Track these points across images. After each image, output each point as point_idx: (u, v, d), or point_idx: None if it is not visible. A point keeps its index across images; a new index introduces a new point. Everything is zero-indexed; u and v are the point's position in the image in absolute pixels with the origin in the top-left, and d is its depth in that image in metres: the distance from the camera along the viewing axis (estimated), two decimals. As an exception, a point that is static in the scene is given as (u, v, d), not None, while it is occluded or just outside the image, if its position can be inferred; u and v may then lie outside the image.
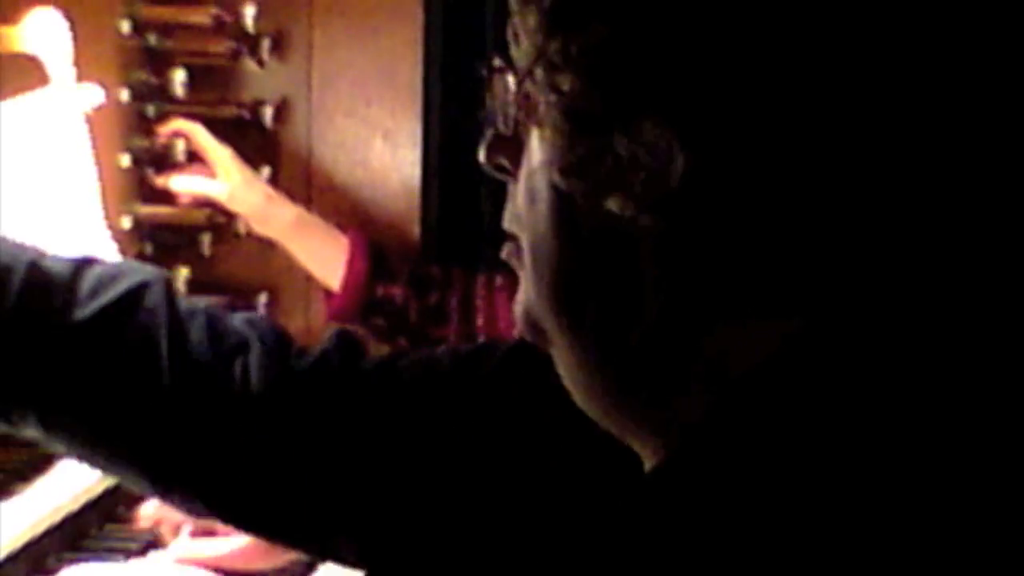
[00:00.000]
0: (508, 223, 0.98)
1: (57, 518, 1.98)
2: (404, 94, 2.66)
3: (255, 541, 1.86)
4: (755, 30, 0.85)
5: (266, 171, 2.62)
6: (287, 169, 2.67)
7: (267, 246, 2.57)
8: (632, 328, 0.90)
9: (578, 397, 0.95)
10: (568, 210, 0.90)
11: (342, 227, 2.55)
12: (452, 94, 2.75)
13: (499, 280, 2.52)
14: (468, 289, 2.50)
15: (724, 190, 0.85)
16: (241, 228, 2.59)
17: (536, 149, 0.92)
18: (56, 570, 1.91)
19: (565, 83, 0.88)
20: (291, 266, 2.57)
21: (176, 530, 1.95)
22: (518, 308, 0.97)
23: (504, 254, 0.98)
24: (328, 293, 2.53)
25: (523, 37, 0.91)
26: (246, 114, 2.63)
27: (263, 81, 2.66)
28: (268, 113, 2.64)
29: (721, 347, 0.89)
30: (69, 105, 2.27)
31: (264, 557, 1.87)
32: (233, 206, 2.53)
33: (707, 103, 0.85)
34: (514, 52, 0.93)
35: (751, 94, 0.85)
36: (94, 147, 2.32)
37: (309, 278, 2.58)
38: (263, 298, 2.68)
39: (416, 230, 2.68)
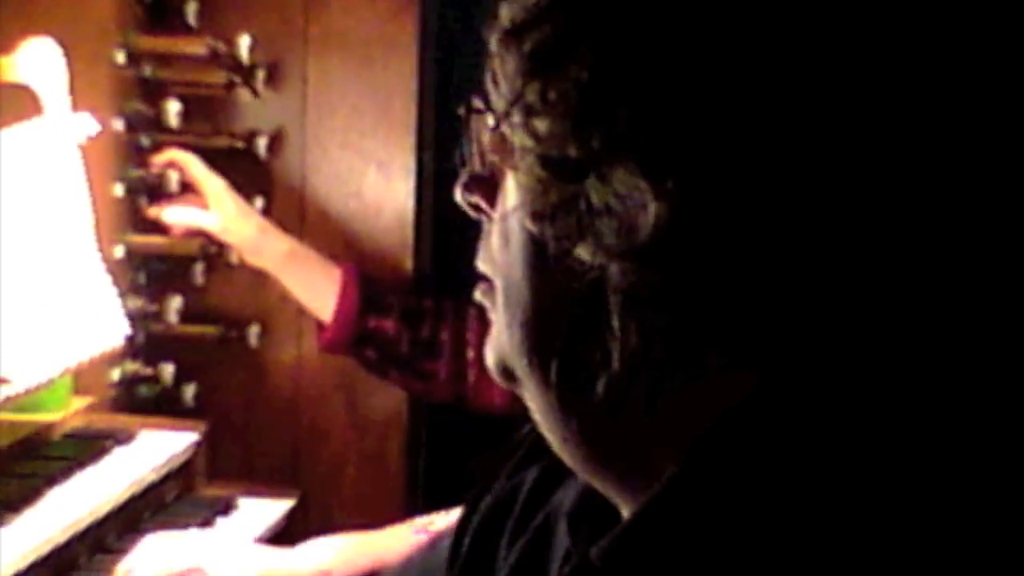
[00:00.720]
0: (482, 263, 0.96)
1: (46, 550, 1.98)
2: (398, 126, 2.66)
3: None
4: (732, 85, 0.85)
5: (259, 202, 2.62)
6: (281, 200, 2.67)
7: (260, 276, 2.57)
8: (598, 376, 0.89)
9: (551, 442, 0.95)
10: (540, 255, 0.90)
11: (335, 259, 2.55)
12: (446, 126, 2.76)
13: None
14: (460, 322, 2.50)
15: (694, 242, 0.85)
16: (234, 258, 2.59)
17: (511, 191, 0.92)
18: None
19: (541, 127, 0.88)
20: (284, 296, 2.57)
21: None
22: (489, 350, 0.96)
23: (477, 294, 0.97)
24: (320, 325, 2.53)
25: (501, 79, 0.91)
26: (240, 144, 2.64)
27: (257, 112, 2.67)
28: (262, 144, 2.65)
29: (686, 399, 0.88)
30: (63, 135, 2.28)
31: None
32: (226, 237, 2.53)
33: (681, 153, 0.85)
34: (493, 93, 0.92)
35: (724, 147, 0.85)
36: (88, 177, 2.32)
37: (301, 309, 2.57)
38: (255, 328, 2.68)
39: (409, 261, 2.68)
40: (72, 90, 2.27)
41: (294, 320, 2.65)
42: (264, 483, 2.55)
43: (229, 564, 1.89)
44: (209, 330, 2.66)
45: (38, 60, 2.23)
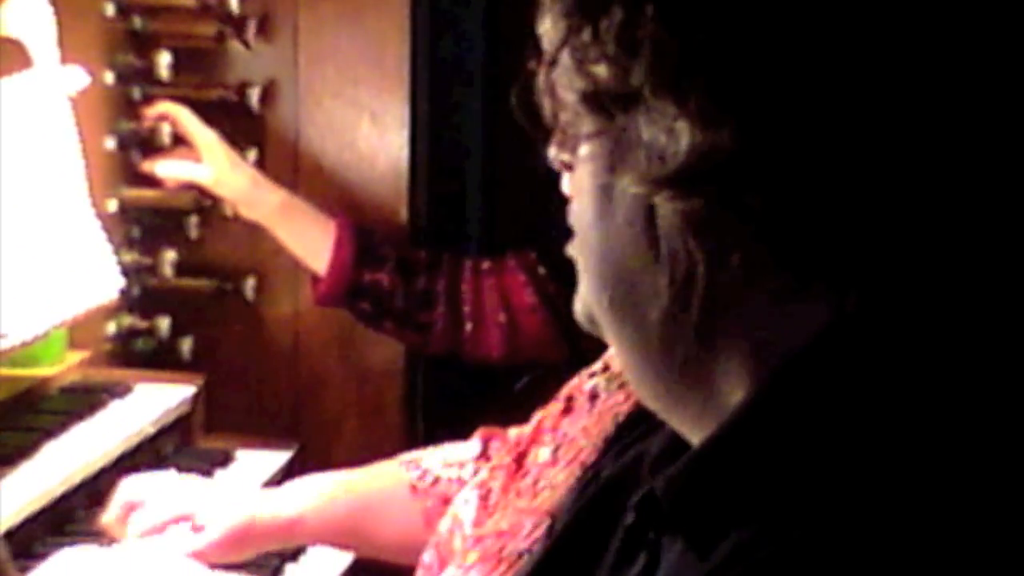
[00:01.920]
0: (570, 218, 0.99)
1: (43, 503, 1.98)
2: (391, 75, 2.65)
3: (228, 534, 1.86)
4: (758, 5, 0.86)
5: (253, 154, 2.61)
6: (274, 152, 2.66)
7: (255, 229, 2.55)
8: (673, 310, 0.91)
9: (629, 381, 0.98)
10: (605, 197, 0.93)
11: (329, 211, 2.54)
12: (439, 75, 2.74)
13: (486, 265, 2.51)
14: (455, 274, 2.49)
15: (765, 166, 0.86)
16: (228, 211, 2.58)
17: (596, 150, 0.94)
18: (43, 555, 1.90)
19: (590, 66, 0.90)
20: (279, 249, 2.56)
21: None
22: (576, 300, 1.00)
23: (569, 248, 1.00)
24: (315, 278, 2.52)
25: (550, 25, 0.93)
26: (232, 96, 2.62)
27: (249, 63, 2.65)
28: (255, 95, 2.63)
29: (765, 326, 0.90)
30: (53, 88, 2.26)
31: (236, 549, 1.86)
32: (219, 190, 2.52)
33: (711, 80, 0.86)
34: (544, 45, 0.94)
35: (786, 66, 0.86)
36: (79, 130, 2.30)
37: (298, 261, 2.57)
38: (251, 281, 2.67)
39: (404, 212, 2.67)
40: (62, 43, 2.25)
41: (290, 272, 2.65)
42: (262, 435, 2.55)
43: (214, 509, 1.89)
44: (204, 283, 2.65)
45: (27, 13, 2.21)
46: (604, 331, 0.97)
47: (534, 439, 1.81)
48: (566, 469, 1.66)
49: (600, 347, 1.79)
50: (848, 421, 0.87)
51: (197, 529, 1.88)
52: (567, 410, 1.77)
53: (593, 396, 1.71)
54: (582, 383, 1.75)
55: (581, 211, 0.95)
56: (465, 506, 1.88)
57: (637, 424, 1.06)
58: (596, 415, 1.68)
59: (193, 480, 2.02)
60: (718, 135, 0.86)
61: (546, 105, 0.95)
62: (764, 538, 0.85)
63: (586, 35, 0.89)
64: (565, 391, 1.80)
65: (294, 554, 2.13)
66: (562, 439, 1.71)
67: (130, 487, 1.99)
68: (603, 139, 0.91)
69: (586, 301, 0.98)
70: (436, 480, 1.96)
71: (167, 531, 1.88)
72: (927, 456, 0.86)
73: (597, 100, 0.90)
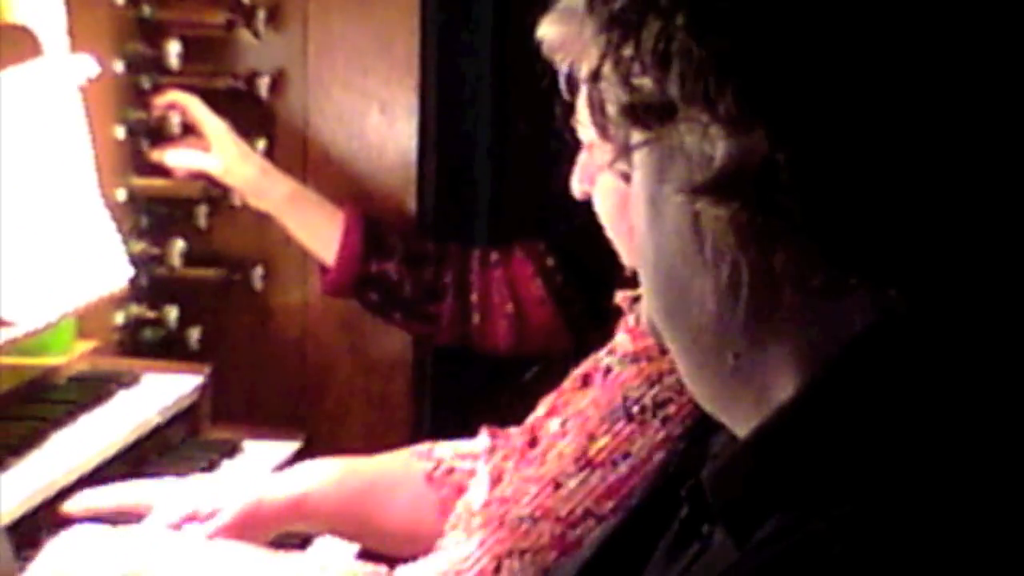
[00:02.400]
0: (625, 241, 1.01)
1: (51, 493, 1.98)
2: (400, 65, 2.64)
3: (237, 518, 1.86)
4: (790, 9, 0.87)
5: (262, 143, 2.61)
6: (283, 141, 2.66)
7: (263, 219, 2.55)
8: (721, 313, 0.93)
9: (687, 384, 1.00)
10: (655, 207, 0.95)
11: (338, 200, 2.53)
12: (449, 65, 2.73)
13: (494, 256, 2.51)
14: (463, 265, 2.49)
15: (798, 168, 0.87)
16: (237, 200, 2.58)
17: (644, 159, 0.96)
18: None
19: (630, 79, 0.92)
20: (288, 239, 2.55)
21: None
22: (642, 311, 1.03)
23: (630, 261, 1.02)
24: (323, 268, 2.52)
25: (590, 42, 0.95)
26: (242, 86, 2.62)
27: (259, 52, 2.65)
28: (264, 85, 2.63)
29: (811, 325, 0.91)
30: (63, 76, 2.26)
31: (247, 533, 1.87)
32: (228, 179, 2.51)
33: (770, 82, 0.87)
34: (584, 59, 0.96)
35: (813, 69, 0.86)
36: (88, 119, 2.30)
37: (306, 251, 2.56)
38: (259, 271, 2.67)
39: (412, 202, 2.66)
40: (71, 31, 2.25)
41: (298, 262, 2.64)
42: (269, 426, 2.55)
43: (220, 500, 1.90)
44: (213, 273, 2.65)
45: (37, 1, 2.21)
46: (665, 339, 0.99)
47: (549, 415, 1.82)
48: (573, 441, 1.67)
49: (606, 338, 1.80)
50: (890, 415, 0.89)
51: (206, 519, 1.88)
52: (583, 386, 1.77)
53: (607, 371, 1.72)
54: (598, 361, 1.76)
55: (636, 222, 0.98)
56: (476, 490, 1.89)
57: (709, 421, 1.06)
58: (606, 388, 1.69)
59: (196, 482, 2.02)
60: (750, 140, 0.87)
61: (597, 119, 0.96)
62: (801, 522, 0.87)
63: (627, 49, 0.91)
64: (580, 369, 1.80)
65: (301, 544, 2.13)
66: (572, 411, 1.72)
67: (134, 493, 1.98)
68: (648, 150, 0.94)
69: (647, 310, 1.00)
70: (451, 470, 1.96)
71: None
72: (967, 448, 0.87)
73: (635, 112, 0.92)
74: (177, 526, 1.88)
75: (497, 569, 1.63)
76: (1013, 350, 0.90)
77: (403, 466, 1.98)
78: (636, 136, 0.94)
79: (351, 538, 2.06)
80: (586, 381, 1.79)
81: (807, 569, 0.84)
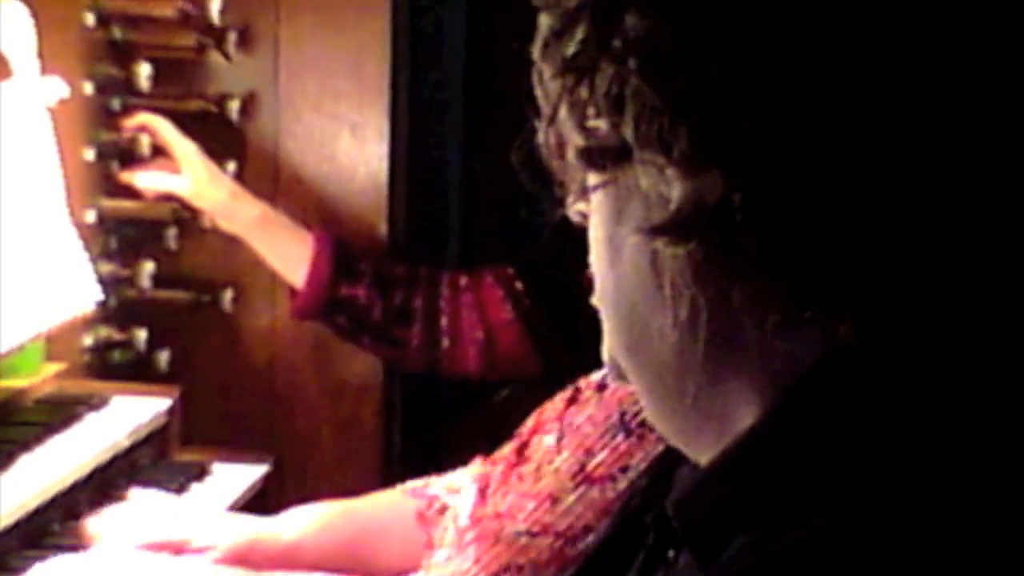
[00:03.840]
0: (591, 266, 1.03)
1: (18, 516, 1.96)
2: (371, 88, 2.65)
3: (229, 554, 1.85)
4: (759, 50, 0.88)
5: (232, 166, 2.60)
6: (253, 163, 2.66)
7: (233, 241, 2.55)
8: (681, 348, 0.94)
9: (653, 420, 1.01)
10: (614, 245, 0.96)
11: (308, 223, 2.53)
12: (420, 88, 2.74)
13: (463, 280, 2.51)
14: (433, 289, 2.49)
15: (754, 207, 0.88)
16: (207, 223, 2.58)
17: (601, 201, 0.97)
18: (18, 569, 1.89)
19: (585, 122, 0.93)
20: (257, 261, 2.55)
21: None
22: (603, 350, 1.02)
23: (593, 299, 1.02)
24: (292, 291, 2.52)
25: (547, 84, 0.96)
26: (212, 108, 2.62)
27: (229, 75, 2.65)
28: (234, 107, 2.63)
29: (768, 357, 0.93)
30: (33, 98, 2.25)
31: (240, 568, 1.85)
32: (197, 202, 2.51)
33: (723, 124, 0.88)
34: (540, 99, 0.97)
35: (765, 112, 0.87)
36: (58, 141, 2.30)
37: (275, 274, 2.56)
38: (229, 293, 2.67)
39: (383, 225, 2.66)
40: (41, 53, 2.25)
41: (268, 285, 2.64)
42: (239, 448, 2.54)
43: (210, 533, 1.89)
44: (182, 295, 2.64)
45: (7, 22, 2.21)
46: (629, 378, 1.00)
47: (536, 430, 1.81)
48: (570, 457, 1.67)
49: (576, 362, 1.80)
50: (848, 439, 0.90)
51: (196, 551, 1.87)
52: (572, 400, 1.77)
53: (601, 387, 1.72)
54: (590, 376, 1.76)
55: (596, 261, 0.98)
56: (462, 500, 1.88)
57: (674, 453, 1.07)
58: (603, 405, 1.69)
59: (180, 503, 2.01)
60: (705, 181, 0.88)
61: (554, 161, 0.98)
62: (763, 542, 0.88)
63: (582, 93, 0.92)
64: (572, 385, 1.80)
65: None
66: (567, 427, 1.71)
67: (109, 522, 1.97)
68: (604, 191, 0.94)
69: (609, 350, 1.01)
70: (444, 508, 1.94)
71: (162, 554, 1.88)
72: (922, 468, 0.89)
73: (591, 155, 0.93)
74: (168, 550, 1.87)
75: None
76: (963, 376, 0.92)
77: (395, 506, 1.97)
78: (593, 178, 0.95)
79: None
80: (575, 397, 1.79)
81: None
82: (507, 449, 1.85)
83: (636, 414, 1.65)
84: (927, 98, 0.88)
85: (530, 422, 1.84)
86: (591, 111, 0.92)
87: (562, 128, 0.95)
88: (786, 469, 0.90)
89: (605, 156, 0.92)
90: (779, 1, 0.88)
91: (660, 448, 1.59)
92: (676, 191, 0.89)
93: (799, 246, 0.89)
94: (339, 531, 1.92)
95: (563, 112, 0.94)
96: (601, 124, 0.92)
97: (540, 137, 0.98)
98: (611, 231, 0.95)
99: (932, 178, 0.89)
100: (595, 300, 1.02)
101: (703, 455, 0.98)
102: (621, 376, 1.01)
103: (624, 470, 1.63)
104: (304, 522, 1.91)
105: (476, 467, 1.92)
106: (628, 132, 0.90)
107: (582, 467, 1.65)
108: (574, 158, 0.94)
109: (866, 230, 0.89)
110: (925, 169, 0.88)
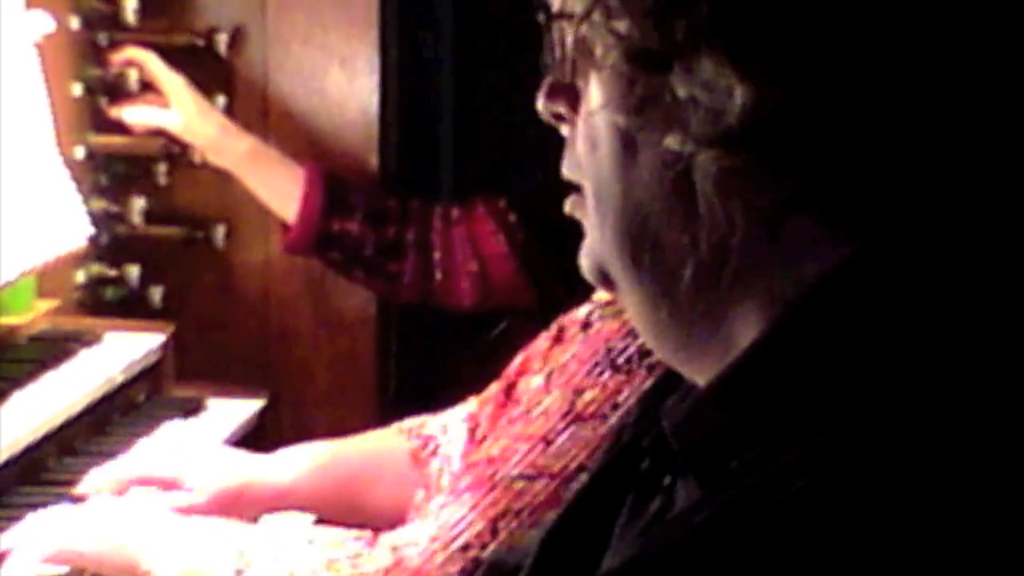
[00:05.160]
0: (567, 171, 1.00)
1: (13, 453, 1.97)
2: (361, 20, 2.62)
3: (218, 497, 1.85)
4: None
5: (221, 100, 2.58)
6: (242, 98, 2.64)
7: (225, 176, 2.53)
8: (686, 262, 0.93)
9: (645, 335, 0.99)
10: (628, 151, 0.93)
11: (299, 157, 2.52)
12: (410, 20, 2.71)
13: (456, 212, 2.50)
14: (425, 222, 2.48)
15: (783, 123, 0.88)
16: (197, 158, 2.56)
17: (595, 93, 0.95)
18: (14, 505, 1.89)
19: (623, 25, 0.90)
20: (249, 196, 2.54)
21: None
22: (584, 256, 0.99)
23: (567, 206, 1.00)
24: (284, 226, 2.51)
25: None
26: (200, 42, 2.59)
27: (217, 8, 2.62)
28: (223, 41, 2.60)
29: (781, 277, 0.92)
30: (19, 34, 2.23)
31: (224, 513, 1.85)
32: (187, 136, 2.49)
33: (766, 38, 0.87)
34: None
35: (811, 25, 0.87)
36: (45, 76, 2.28)
37: (268, 209, 2.55)
38: (221, 229, 2.66)
39: (374, 159, 2.65)
40: (26, -13, 2.22)
41: (261, 220, 2.63)
42: (233, 384, 2.54)
43: (204, 473, 1.89)
44: (174, 231, 2.63)
45: (-10, -43, 2.18)
46: (618, 286, 0.98)
47: (522, 371, 1.81)
48: (559, 396, 1.67)
49: (569, 293, 1.80)
50: (854, 354, 0.89)
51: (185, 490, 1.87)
52: (557, 339, 1.77)
53: (586, 325, 1.72)
54: (574, 313, 1.75)
55: (598, 163, 0.95)
56: (452, 442, 1.88)
57: (666, 387, 1.06)
58: (588, 342, 1.69)
59: (175, 441, 2.01)
60: (768, 93, 0.87)
61: (567, 59, 0.95)
62: (768, 457, 0.87)
63: None
64: (555, 324, 1.80)
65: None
66: (554, 367, 1.71)
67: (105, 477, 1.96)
68: (632, 94, 0.92)
69: (598, 256, 0.98)
70: (438, 448, 1.94)
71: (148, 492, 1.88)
72: (931, 383, 0.88)
73: (631, 56, 0.91)
74: (158, 487, 1.87)
75: (494, 531, 1.62)
76: (967, 293, 0.91)
77: (389, 447, 1.97)
78: (613, 83, 0.92)
79: (335, 520, 2.05)
80: (560, 335, 1.79)
81: (774, 503, 0.84)
82: (494, 388, 1.85)
83: (623, 350, 1.65)
84: (973, 23, 0.88)
85: (516, 362, 1.84)
86: (625, 14, 0.90)
87: (596, 26, 0.92)
88: (789, 386, 0.90)
89: (649, 59, 0.90)
90: None
91: (649, 383, 1.60)
92: (736, 101, 0.87)
93: (840, 164, 0.88)
94: (331, 473, 1.92)
95: (596, 15, 0.91)
96: (641, 25, 0.90)
97: (557, 36, 0.96)
98: (626, 139, 0.93)
99: (958, 117, 0.89)
100: (576, 205, 0.99)
101: (702, 374, 0.97)
102: (608, 284, 0.99)
103: (615, 407, 1.63)
104: (296, 464, 1.91)
105: (468, 406, 1.92)
106: (679, 35, 0.88)
107: (572, 406, 1.65)
108: (614, 58, 0.91)
109: (900, 154, 0.88)
110: (954, 108, 0.88)
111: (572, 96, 0.97)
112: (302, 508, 1.93)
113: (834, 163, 0.89)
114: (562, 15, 0.95)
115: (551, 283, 2.42)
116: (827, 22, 0.87)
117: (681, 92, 0.89)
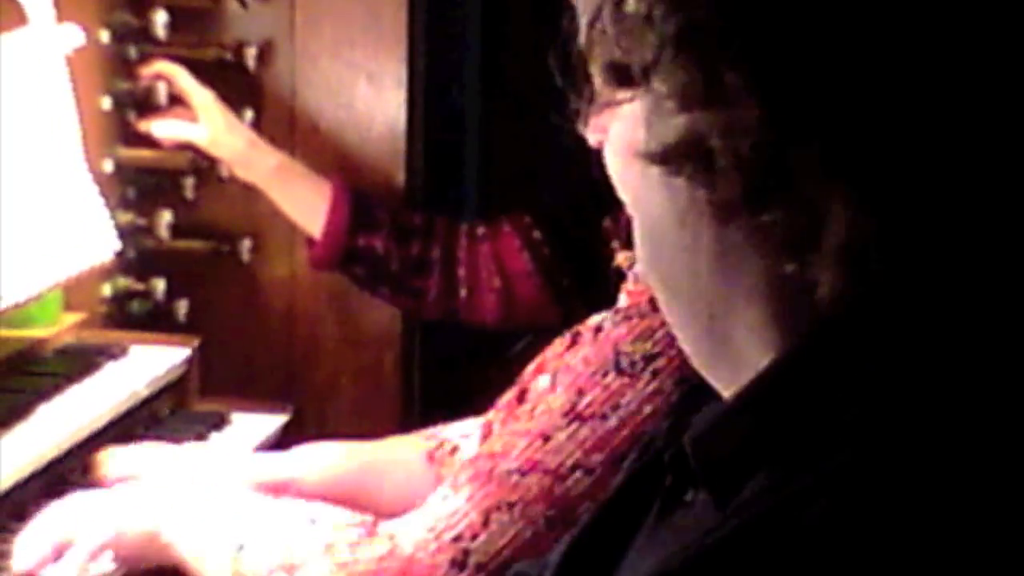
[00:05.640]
0: (618, 190, 1.02)
1: (38, 465, 1.97)
2: (389, 35, 2.62)
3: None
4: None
5: (249, 114, 2.59)
6: (270, 112, 2.64)
7: (252, 190, 2.54)
8: (695, 272, 0.95)
9: (682, 345, 1.01)
10: (652, 170, 0.94)
11: (325, 172, 2.52)
12: (437, 36, 2.72)
13: (481, 229, 2.50)
14: (450, 239, 2.48)
15: (793, 144, 0.88)
16: (224, 172, 2.57)
17: (628, 118, 0.96)
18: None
19: (622, 38, 0.92)
20: (275, 211, 2.54)
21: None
22: (637, 269, 1.03)
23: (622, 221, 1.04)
24: (310, 241, 2.51)
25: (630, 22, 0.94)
26: (229, 56, 2.60)
27: (246, 22, 2.63)
28: (251, 55, 2.61)
29: (787, 295, 0.92)
30: (49, 47, 2.24)
31: None
32: (215, 151, 2.50)
33: (780, 46, 0.88)
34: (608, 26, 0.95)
35: (830, 43, 0.88)
36: (75, 89, 2.29)
37: (294, 224, 2.55)
38: (247, 243, 2.66)
39: (400, 173, 2.65)
40: (57, 1, 2.23)
41: (287, 234, 2.63)
42: (257, 398, 2.54)
43: (222, 473, 1.90)
44: (201, 245, 2.64)
45: (21, -30, 2.19)
46: (658, 299, 1.00)
47: (536, 374, 1.81)
48: (563, 394, 1.67)
49: (593, 311, 1.80)
50: (872, 377, 0.90)
51: None
52: (572, 344, 1.77)
53: (598, 329, 1.72)
54: (590, 320, 1.76)
55: (632, 179, 0.98)
56: (468, 445, 1.89)
57: (694, 397, 1.06)
58: (598, 345, 1.69)
59: (185, 448, 2.02)
60: (747, 114, 0.88)
61: (590, 71, 0.97)
62: (787, 479, 0.87)
63: (629, 6, 0.91)
64: (571, 330, 1.80)
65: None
66: (562, 367, 1.72)
67: (122, 459, 1.99)
68: (632, 107, 0.94)
69: (643, 267, 1.01)
70: (455, 449, 1.95)
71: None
72: (949, 407, 0.88)
73: (614, 69, 0.93)
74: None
75: (486, 523, 1.63)
76: (985, 317, 0.91)
77: (404, 445, 1.98)
78: (619, 94, 0.94)
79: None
80: (575, 340, 1.79)
81: (794, 523, 0.84)
82: (509, 395, 1.85)
83: (629, 354, 1.66)
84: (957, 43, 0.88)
85: (531, 367, 1.85)
86: (625, 25, 0.92)
87: (598, 40, 0.94)
88: (809, 406, 0.90)
89: (625, 73, 0.92)
90: None
91: (651, 388, 1.60)
92: (674, 122, 0.89)
93: (835, 175, 0.88)
94: (341, 467, 1.94)
95: (601, 24, 0.93)
96: (631, 44, 0.91)
97: (583, 40, 0.98)
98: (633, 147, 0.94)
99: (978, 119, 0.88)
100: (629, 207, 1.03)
101: (721, 384, 0.98)
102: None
103: (615, 408, 1.64)
104: (307, 463, 1.94)
105: (487, 415, 1.93)
106: (647, 56, 0.90)
107: (573, 405, 1.65)
108: (603, 71, 0.94)
109: (911, 166, 0.88)
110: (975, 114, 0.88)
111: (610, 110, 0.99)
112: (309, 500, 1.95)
113: (852, 202, 0.88)
114: (601, 34, 0.96)
115: (575, 300, 2.41)
116: (810, 51, 0.88)
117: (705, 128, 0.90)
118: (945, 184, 0.89)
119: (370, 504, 1.92)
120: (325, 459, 1.96)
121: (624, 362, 1.65)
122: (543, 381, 1.75)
